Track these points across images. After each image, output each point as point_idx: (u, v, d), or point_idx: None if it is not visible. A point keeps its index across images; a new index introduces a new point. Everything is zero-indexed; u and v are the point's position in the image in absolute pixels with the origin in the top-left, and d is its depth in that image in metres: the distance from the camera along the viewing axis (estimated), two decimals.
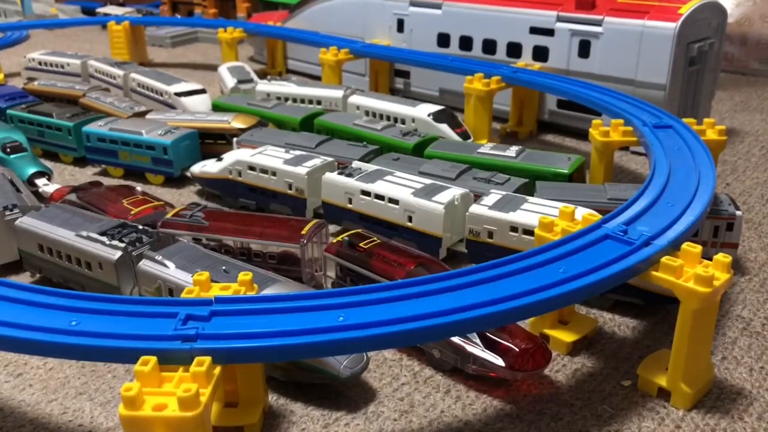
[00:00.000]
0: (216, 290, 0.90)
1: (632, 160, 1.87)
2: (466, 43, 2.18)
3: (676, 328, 0.91)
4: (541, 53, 2.03)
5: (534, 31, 2.03)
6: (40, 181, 1.61)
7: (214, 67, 2.82)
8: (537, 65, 2.01)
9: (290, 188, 1.47)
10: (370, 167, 1.44)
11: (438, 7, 2.23)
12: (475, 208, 1.26)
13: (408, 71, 2.39)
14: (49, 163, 1.79)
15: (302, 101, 2.04)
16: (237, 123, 1.76)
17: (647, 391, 0.98)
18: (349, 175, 1.40)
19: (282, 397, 0.98)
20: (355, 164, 1.47)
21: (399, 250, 1.13)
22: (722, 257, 0.89)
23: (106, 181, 1.59)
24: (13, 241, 1.28)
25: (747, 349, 1.07)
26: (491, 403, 0.96)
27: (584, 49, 1.93)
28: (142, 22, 3.04)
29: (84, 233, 1.18)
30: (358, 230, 1.21)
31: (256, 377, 0.90)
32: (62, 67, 2.49)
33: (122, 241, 1.16)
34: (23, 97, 2.05)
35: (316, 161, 1.49)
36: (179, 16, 3.95)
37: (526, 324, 1.09)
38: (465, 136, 1.80)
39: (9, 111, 1.92)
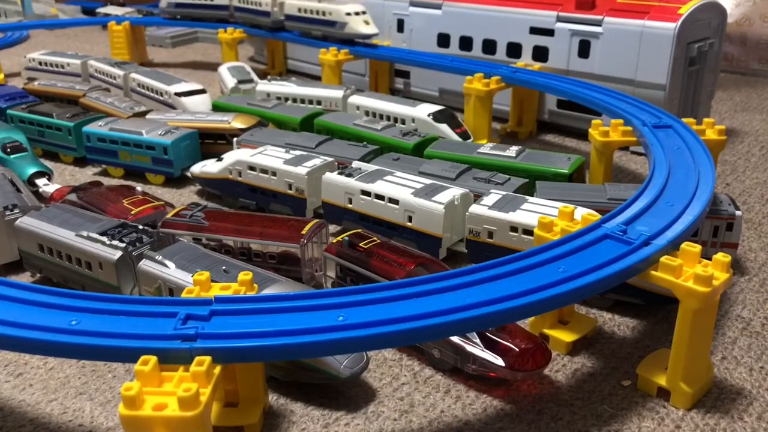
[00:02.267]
0: (216, 290, 0.90)
1: (632, 160, 1.87)
2: (466, 43, 2.18)
3: (675, 327, 0.91)
4: (540, 53, 2.03)
5: (534, 31, 2.03)
6: (41, 181, 1.61)
7: (214, 67, 2.82)
8: (537, 65, 2.01)
9: (290, 188, 1.47)
10: (370, 167, 1.45)
11: (438, 7, 2.23)
12: (475, 208, 1.26)
13: (408, 71, 2.39)
14: (49, 163, 1.79)
15: (302, 101, 2.04)
16: (237, 123, 1.76)
17: (647, 390, 0.98)
18: (349, 175, 1.40)
19: (282, 397, 0.98)
20: (355, 164, 1.47)
21: (399, 250, 1.13)
22: (721, 257, 0.89)
23: (106, 181, 1.59)
24: (14, 241, 1.29)
25: (747, 349, 1.07)
26: (491, 403, 0.96)
27: (584, 49, 1.94)
28: (143, 23, 3.04)
29: (84, 233, 1.18)
30: (358, 230, 1.21)
31: (256, 377, 0.90)
32: (62, 67, 2.50)
33: (122, 241, 1.16)
34: (23, 97, 2.05)
35: (316, 161, 1.49)
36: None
37: (525, 324, 1.09)
38: (465, 136, 1.80)
39: (9, 111, 1.92)
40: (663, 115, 1.46)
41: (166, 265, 1.08)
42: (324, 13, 2.30)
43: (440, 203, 1.28)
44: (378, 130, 1.71)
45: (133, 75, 2.25)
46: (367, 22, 2.24)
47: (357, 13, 2.25)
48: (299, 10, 2.40)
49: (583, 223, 1.01)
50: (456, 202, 1.30)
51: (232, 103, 1.98)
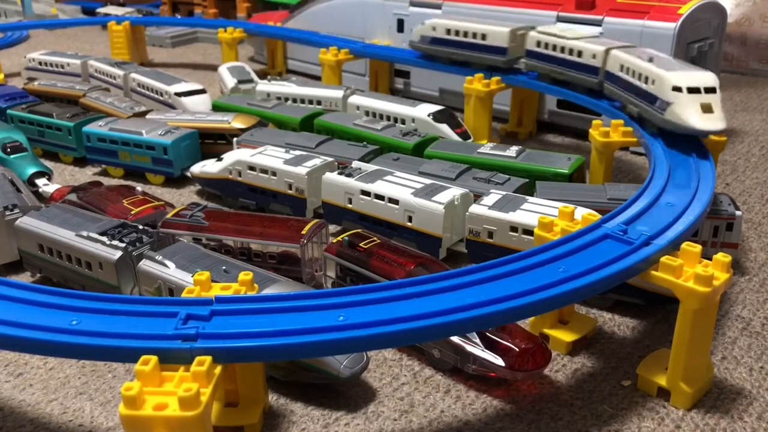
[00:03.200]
0: (216, 290, 0.90)
1: (632, 160, 1.87)
2: None
3: (675, 327, 0.91)
4: None
5: None
6: (41, 181, 1.61)
7: (214, 67, 2.82)
8: None
9: (290, 188, 1.47)
10: (370, 167, 1.45)
11: (438, 7, 2.23)
12: (475, 208, 1.26)
13: (408, 71, 2.39)
14: (49, 163, 1.79)
15: (302, 101, 2.04)
16: (237, 123, 1.76)
17: (647, 390, 0.98)
18: (349, 175, 1.40)
19: (282, 397, 0.98)
20: (355, 164, 1.47)
21: (399, 250, 1.13)
22: (722, 257, 0.89)
23: (106, 181, 1.59)
24: (14, 241, 1.29)
25: (747, 349, 1.07)
26: (491, 403, 0.96)
27: None
28: (143, 22, 3.04)
29: (84, 233, 1.18)
30: (358, 230, 1.21)
31: (257, 377, 0.90)
32: (62, 67, 2.50)
33: (122, 241, 1.16)
34: (23, 97, 2.05)
35: (316, 161, 1.49)
36: (179, 16, 3.95)
37: (526, 324, 1.09)
38: (465, 136, 1.80)
39: (9, 111, 1.92)
40: None
41: (166, 265, 1.08)
42: (647, 80, 1.39)
43: (440, 203, 1.28)
44: (378, 130, 1.71)
45: (133, 75, 2.25)
46: (708, 108, 1.26)
47: (693, 90, 1.28)
48: (622, 68, 1.51)
49: (583, 223, 1.01)
50: (456, 202, 1.30)
51: (232, 103, 1.98)
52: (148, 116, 1.88)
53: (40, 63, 2.54)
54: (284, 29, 2.69)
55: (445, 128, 1.79)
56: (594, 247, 0.94)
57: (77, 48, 3.33)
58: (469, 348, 0.97)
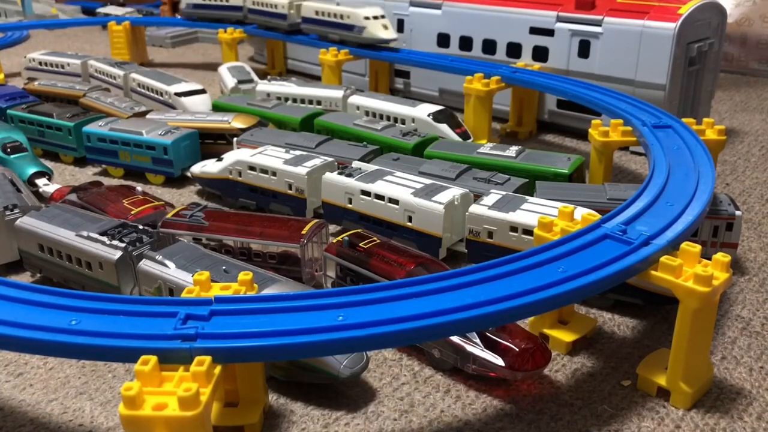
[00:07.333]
0: (216, 290, 0.90)
1: (632, 160, 1.87)
2: (466, 43, 2.18)
3: (675, 327, 0.91)
4: (540, 53, 2.03)
5: (534, 31, 2.03)
6: (41, 181, 1.62)
7: (214, 67, 2.82)
8: (537, 65, 2.01)
9: (290, 188, 1.47)
10: (370, 167, 1.45)
11: (438, 7, 2.23)
12: (475, 208, 1.26)
13: (408, 71, 2.39)
14: (49, 163, 1.79)
15: (302, 101, 2.04)
16: (237, 123, 1.76)
17: (647, 390, 0.98)
18: (349, 175, 1.40)
19: (282, 397, 0.98)
20: (355, 164, 1.47)
21: (399, 250, 1.13)
22: (721, 257, 0.89)
23: (107, 181, 1.59)
24: (14, 241, 1.29)
25: (746, 349, 1.07)
26: (491, 403, 0.97)
27: (584, 50, 1.94)
28: (143, 23, 3.04)
29: (84, 233, 1.18)
30: (358, 230, 1.21)
31: (256, 377, 0.90)
32: (62, 67, 2.50)
33: (122, 241, 1.16)
34: (23, 97, 2.05)
35: (316, 161, 1.49)
36: (179, 17, 3.95)
37: (525, 324, 1.09)
38: (465, 136, 1.80)
39: (9, 111, 1.92)
40: (663, 115, 1.46)
41: (166, 265, 1.08)
42: (342, 17, 2.25)
43: (440, 203, 1.28)
44: (378, 130, 1.71)
45: (133, 75, 2.25)
46: (386, 27, 2.19)
47: (376, 17, 2.19)
48: (317, 12, 2.35)
49: (582, 223, 1.01)
50: (456, 202, 1.30)
51: (232, 103, 1.98)
52: (148, 116, 1.88)
53: (40, 63, 2.54)
54: None
55: (445, 128, 1.79)
56: (593, 247, 0.94)
57: (77, 48, 3.33)
58: (469, 348, 0.97)
